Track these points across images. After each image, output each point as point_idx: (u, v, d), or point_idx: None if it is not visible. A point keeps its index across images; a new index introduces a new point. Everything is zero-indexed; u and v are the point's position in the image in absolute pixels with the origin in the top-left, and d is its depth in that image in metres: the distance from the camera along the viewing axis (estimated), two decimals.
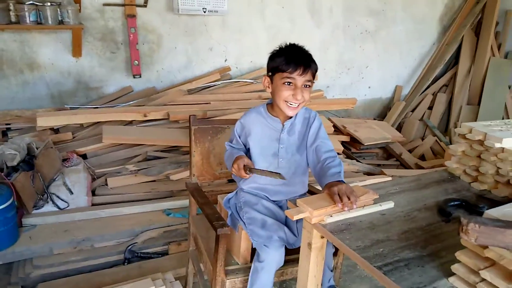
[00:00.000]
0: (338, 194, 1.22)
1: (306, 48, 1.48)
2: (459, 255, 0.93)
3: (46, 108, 3.14)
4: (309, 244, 1.25)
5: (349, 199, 1.20)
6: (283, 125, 1.51)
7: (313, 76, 1.44)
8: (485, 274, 0.87)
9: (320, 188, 1.41)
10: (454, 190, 1.48)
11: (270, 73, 1.46)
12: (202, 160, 1.86)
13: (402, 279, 0.95)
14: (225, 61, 3.74)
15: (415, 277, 0.96)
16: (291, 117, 1.50)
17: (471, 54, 4.63)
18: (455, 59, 4.73)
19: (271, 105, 1.53)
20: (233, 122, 1.87)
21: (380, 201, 1.28)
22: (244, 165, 1.42)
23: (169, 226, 2.45)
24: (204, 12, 3.35)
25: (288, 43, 1.46)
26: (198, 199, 1.67)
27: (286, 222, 1.49)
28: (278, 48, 1.46)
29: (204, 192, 1.76)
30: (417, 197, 1.39)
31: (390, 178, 3.20)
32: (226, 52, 3.72)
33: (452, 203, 1.32)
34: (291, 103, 1.42)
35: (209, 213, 1.51)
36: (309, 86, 1.43)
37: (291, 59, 1.39)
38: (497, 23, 4.58)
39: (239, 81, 3.66)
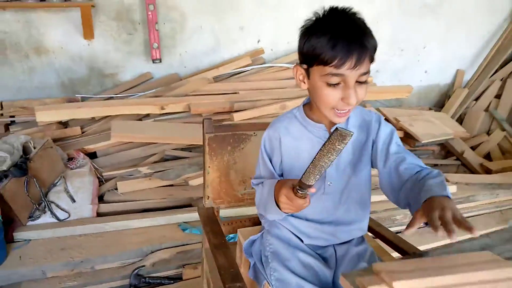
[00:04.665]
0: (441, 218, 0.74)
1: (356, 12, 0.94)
2: None
3: (56, 98, 2.80)
4: None
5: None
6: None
7: (372, 59, 0.92)
8: None
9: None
10: None
11: (304, 64, 0.96)
12: (220, 178, 1.40)
13: None
14: (258, 42, 3.24)
15: None
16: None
17: None
18: None
19: (309, 105, 1.04)
20: (262, 127, 1.40)
21: None
22: (293, 188, 0.87)
23: (184, 245, 2.03)
24: None
25: (328, 8, 0.94)
26: (211, 237, 1.22)
27: (333, 285, 1.02)
28: (314, 18, 0.95)
29: (219, 224, 1.31)
30: None
31: (454, 187, 2.63)
32: (259, 32, 3.21)
33: None
34: (340, 110, 0.94)
35: (223, 265, 1.06)
36: (366, 81, 0.92)
37: (336, 43, 0.87)
38: None
39: (273, 66, 3.15)
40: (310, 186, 0.84)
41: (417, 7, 3.58)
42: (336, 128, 0.73)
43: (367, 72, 0.91)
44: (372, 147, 1.04)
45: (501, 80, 4.01)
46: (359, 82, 0.91)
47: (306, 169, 0.82)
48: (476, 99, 3.95)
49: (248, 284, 1.13)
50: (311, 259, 1.03)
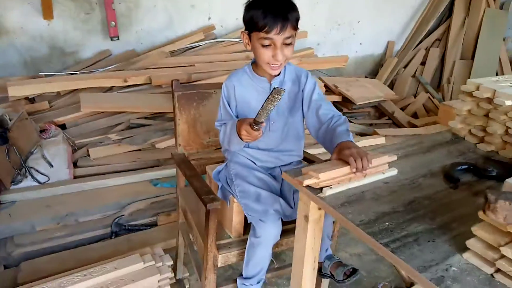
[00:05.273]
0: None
1: None
2: (476, 230, 0.84)
3: (19, 76, 2.93)
4: (306, 217, 1.16)
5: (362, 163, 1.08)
6: (271, 85, 1.38)
7: (295, 27, 1.27)
8: (506, 250, 0.78)
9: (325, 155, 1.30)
10: (459, 153, 1.39)
11: (247, 31, 1.30)
12: (188, 129, 1.72)
13: (413, 257, 0.86)
14: (209, 19, 3.51)
15: (426, 254, 0.88)
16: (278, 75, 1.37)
17: (466, 6, 4.43)
18: (449, 11, 4.54)
19: (255, 63, 1.39)
20: (220, 86, 1.73)
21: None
22: (250, 124, 1.19)
23: (157, 196, 2.34)
24: None
25: None
26: (186, 171, 1.55)
27: (281, 194, 1.39)
28: None
29: (191, 163, 1.64)
30: (422, 162, 1.29)
31: (383, 139, 3.12)
32: (209, 9, 3.49)
33: (460, 168, 1.22)
34: (273, 64, 1.29)
35: (198, 186, 1.41)
36: (291, 43, 1.27)
37: (265, 15, 1.21)
38: None
39: (224, 41, 3.45)
40: (261, 123, 1.19)
41: None
42: (274, 87, 1.08)
43: (290, 36, 1.26)
44: (303, 95, 1.41)
45: (425, 49, 4.57)
46: (285, 44, 1.26)
47: (258, 111, 1.16)
48: (405, 66, 4.49)
49: None
50: (264, 176, 1.40)
